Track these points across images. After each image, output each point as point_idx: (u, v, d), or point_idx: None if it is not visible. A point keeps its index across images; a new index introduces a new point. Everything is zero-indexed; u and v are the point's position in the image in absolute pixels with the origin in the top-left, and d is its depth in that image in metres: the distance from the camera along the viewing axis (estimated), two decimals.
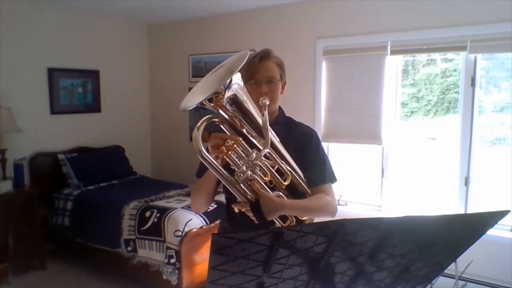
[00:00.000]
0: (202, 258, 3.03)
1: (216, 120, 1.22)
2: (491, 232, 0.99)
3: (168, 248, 2.96)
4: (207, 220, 3.14)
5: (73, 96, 4.25)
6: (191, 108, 1.12)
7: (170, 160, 4.98)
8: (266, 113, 1.20)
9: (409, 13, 3.24)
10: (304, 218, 1.37)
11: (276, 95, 1.43)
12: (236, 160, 1.17)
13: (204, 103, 1.11)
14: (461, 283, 2.81)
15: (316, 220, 1.41)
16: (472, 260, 2.59)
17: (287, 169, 1.30)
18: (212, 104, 1.14)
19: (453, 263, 2.45)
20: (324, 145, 3.64)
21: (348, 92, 3.60)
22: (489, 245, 2.80)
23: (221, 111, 1.18)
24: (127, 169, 4.40)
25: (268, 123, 1.19)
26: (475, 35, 2.97)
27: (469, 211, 3.17)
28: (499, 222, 0.90)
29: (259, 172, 1.21)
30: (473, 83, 3.08)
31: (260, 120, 1.22)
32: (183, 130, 4.79)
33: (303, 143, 1.45)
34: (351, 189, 3.75)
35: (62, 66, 4.11)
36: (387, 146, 3.53)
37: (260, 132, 1.22)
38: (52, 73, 4.02)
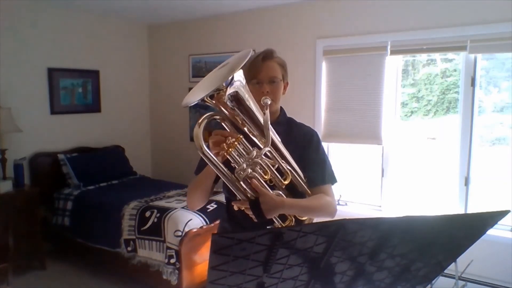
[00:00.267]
0: (202, 258, 3.03)
1: (218, 117, 1.22)
2: (491, 232, 0.99)
3: (168, 248, 2.96)
4: (207, 220, 3.14)
5: (73, 96, 4.25)
6: (192, 104, 1.12)
7: (170, 160, 4.98)
8: (267, 112, 1.20)
9: (409, 13, 3.24)
10: (303, 218, 1.37)
11: (278, 95, 1.43)
12: (237, 157, 1.17)
13: (206, 99, 1.11)
14: (461, 283, 2.81)
15: (315, 220, 1.41)
16: (472, 260, 2.59)
17: (287, 168, 1.30)
18: (214, 101, 1.14)
19: (453, 263, 2.45)
20: (324, 145, 3.64)
21: (348, 92, 3.60)
22: (489, 245, 2.79)
23: (222, 108, 1.18)
24: (127, 169, 4.40)
25: (269, 122, 1.19)
26: (475, 35, 2.97)
27: (469, 211, 3.17)
28: (499, 222, 0.90)
29: (259, 171, 1.21)
30: (473, 83, 3.08)
31: (261, 119, 1.22)
32: (183, 130, 4.79)
33: (303, 143, 1.45)
34: (351, 189, 3.75)
35: (62, 66, 4.11)
36: (387, 146, 3.53)
37: (261, 130, 1.22)
38: (52, 73, 4.02)
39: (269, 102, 1.24)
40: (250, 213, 1.21)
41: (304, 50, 3.79)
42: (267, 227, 1.29)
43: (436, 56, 3.76)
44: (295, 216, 1.34)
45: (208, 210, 3.19)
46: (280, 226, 1.31)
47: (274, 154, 1.26)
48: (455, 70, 3.82)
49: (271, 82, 1.40)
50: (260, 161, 1.19)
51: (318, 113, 3.76)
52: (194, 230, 2.98)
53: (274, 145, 1.26)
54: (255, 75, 1.38)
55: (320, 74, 3.72)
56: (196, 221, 3.07)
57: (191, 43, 4.63)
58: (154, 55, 5.02)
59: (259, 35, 4.08)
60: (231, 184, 1.17)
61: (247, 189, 1.19)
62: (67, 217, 3.66)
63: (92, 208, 3.54)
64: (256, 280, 0.82)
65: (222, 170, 1.15)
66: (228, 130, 1.23)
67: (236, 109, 1.18)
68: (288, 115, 1.55)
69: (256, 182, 1.19)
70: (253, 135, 1.25)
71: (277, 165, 1.27)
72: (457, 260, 2.09)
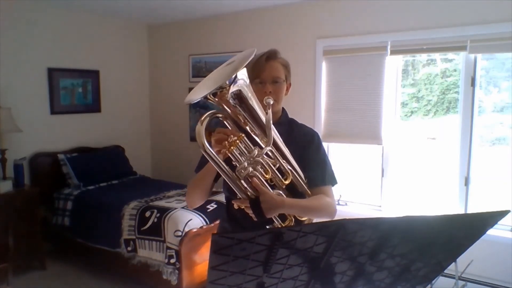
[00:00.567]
0: (202, 258, 3.03)
1: (220, 115, 1.22)
2: (491, 232, 0.99)
3: (168, 248, 2.96)
4: (207, 220, 3.14)
5: (73, 96, 4.25)
6: (196, 101, 1.12)
7: (170, 160, 4.98)
8: (270, 111, 1.20)
9: (409, 13, 3.24)
10: (303, 219, 1.37)
11: (281, 95, 1.43)
12: (238, 156, 1.17)
13: (209, 97, 1.11)
14: (461, 283, 2.81)
15: (315, 221, 1.41)
16: (472, 260, 2.59)
17: (288, 168, 1.30)
18: (217, 99, 1.14)
19: (453, 263, 2.45)
20: (324, 145, 3.63)
21: (348, 92, 3.60)
22: (489, 245, 2.79)
23: (225, 107, 1.18)
24: (127, 169, 4.40)
25: (271, 122, 1.19)
26: (475, 35, 2.97)
27: (469, 211, 3.17)
28: (499, 222, 0.90)
29: (261, 170, 1.21)
30: (473, 83, 3.08)
31: (263, 118, 1.22)
32: (183, 130, 4.79)
33: (303, 143, 1.45)
34: (351, 189, 3.75)
35: (62, 66, 4.11)
36: (387, 146, 3.53)
37: (263, 130, 1.22)
38: (52, 73, 4.02)
39: (271, 102, 1.24)
40: (250, 212, 1.21)
41: (304, 50, 3.79)
42: (267, 226, 1.29)
43: (436, 56, 3.76)
44: (294, 216, 1.34)
45: (208, 210, 3.19)
46: (280, 226, 1.31)
47: (276, 154, 1.26)
48: (455, 70, 3.82)
49: (274, 82, 1.40)
50: (261, 160, 1.19)
51: (318, 113, 3.76)
52: (194, 230, 2.98)
53: (275, 144, 1.26)
54: (258, 74, 1.38)
55: (320, 74, 3.72)
56: (196, 221, 3.07)
57: (191, 43, 4.63)
58: (154, 55, 5.02)
59: (259, 35, 4.08)
60: (232, 182, 1.17)
61: (247, 187, 1.19)
62: (67, 217, 3.66)
63: (92, 208, 3.54)
64: (256, 280, 0.82)
65: (223, 168, 1.15)
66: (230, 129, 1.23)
67: (239, 108, 1.18)
68: (289, 114, 1.55)
69: (257, 181, 1.19)
70: (255, 134, 1.25)
71: (278, 165, 1.27)
72: (457, 260, 2.09)
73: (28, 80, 3.85)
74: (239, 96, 1.16)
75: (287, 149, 1.32)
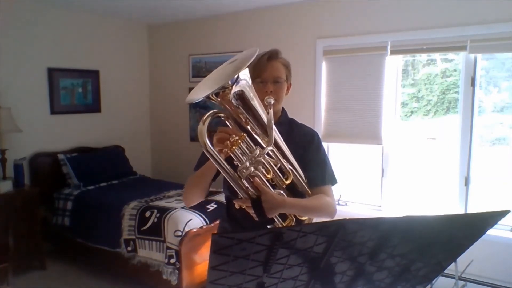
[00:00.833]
0: (202, 258, 3.03)
1: (222, 115, 1.22)
2: (491, 232, 0.99)
3: (168, 248, 2.96)
4: (207, 220, 3.14)
5: (73, 96, 4.25)
6: (198, 100, 1.12)
7: (170, 160, 4.98)
8: (271, 111, 1.20)
9: (409, 13, 3.24)
10: (303, 218, 1.38)
11: (281, 95, 1.43)
12: (240, 155, 1.17)
13: (211, 97, 1.11)
14: (461, 283, 2.81)
15: (315, 220, 1.41)
16: (472, 260, 2.59)
17: (289, 168, 1.30)
18: (219, 99, 1.14)
19: (453, 263, 2.45)
20: (324, 145, 3.63)
21: (348, 92, 3.60)
22: (489, 245, 2.79)
23: (227, 106, 1.18)
24: (127, 169, 4.40)
25: (273, 122, 1.19)
26: (475, 35, 2.97)
27: (469, 211, 3.17)
28: (499, 222, 0.90)
29: (262, 169, 1.21)
30: (473, 83, 3.08)
31: (265, 118, 1.22)
32: (183, 130, 4.79)
33: (303, 143, 1.46)
34: (351, 189, 3.75)
35: (62, 66, 4.11)
36: (387, 146, 3.53)
37: (264, 130, 1.22)
38: (52, 73, 4.02)
39: (272, 102, 1.24)
40: (251, 211, 1.21)
41: (304, 50, 3.79)
42: (268, 226, 1.29)
43: (436, 56, 3.76)
44: (295, 216, 1.34)
45: (208, 210, 3.20)
46: (281, 225, 1.31)
47: (277, 153, 1.26)
48: (455, 70, 3.82)
49: (275, 82, 1.40)
50: (263, 160, 1.19)
51: (318, 113, 3.76)
52: (194, 230, 2.98)
53: (276, 144, 1.26)
54: (259, 74, 1.39)
55: (320, 74, 3.72)
56: (196, 221, 3.07)
57: (191, 43, 4.63)
58: (154, 55, 5.02)
59: (259, 35, 4.08)
60: (233, 182, 1.17)
61: (249, 187, 1.18)
62: (67, 217, 3.66)
63: (92, 208, 3.54)
64: (256, 280, 0.82)
65: (225, 167, 1.15)
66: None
67: (241, 108, 1.18)
68: (288, 114, 1.55)
69: (259, 180, 1.19)
70: (256, 134, 1.25)
71: (279, 164, 1.27)
72: (457, 260, 2.09)
73: (28, 80, 3.85)
74: (242, 97, 1.16)
75: (287, 148, 1.32)
